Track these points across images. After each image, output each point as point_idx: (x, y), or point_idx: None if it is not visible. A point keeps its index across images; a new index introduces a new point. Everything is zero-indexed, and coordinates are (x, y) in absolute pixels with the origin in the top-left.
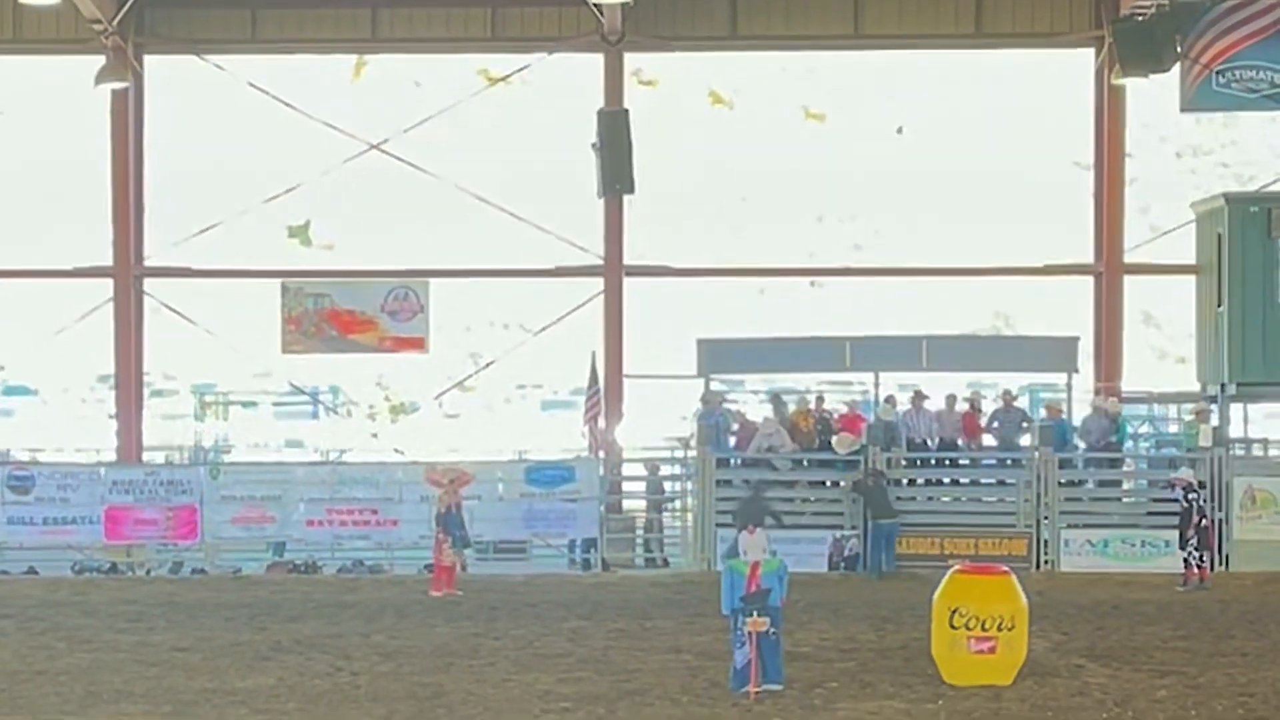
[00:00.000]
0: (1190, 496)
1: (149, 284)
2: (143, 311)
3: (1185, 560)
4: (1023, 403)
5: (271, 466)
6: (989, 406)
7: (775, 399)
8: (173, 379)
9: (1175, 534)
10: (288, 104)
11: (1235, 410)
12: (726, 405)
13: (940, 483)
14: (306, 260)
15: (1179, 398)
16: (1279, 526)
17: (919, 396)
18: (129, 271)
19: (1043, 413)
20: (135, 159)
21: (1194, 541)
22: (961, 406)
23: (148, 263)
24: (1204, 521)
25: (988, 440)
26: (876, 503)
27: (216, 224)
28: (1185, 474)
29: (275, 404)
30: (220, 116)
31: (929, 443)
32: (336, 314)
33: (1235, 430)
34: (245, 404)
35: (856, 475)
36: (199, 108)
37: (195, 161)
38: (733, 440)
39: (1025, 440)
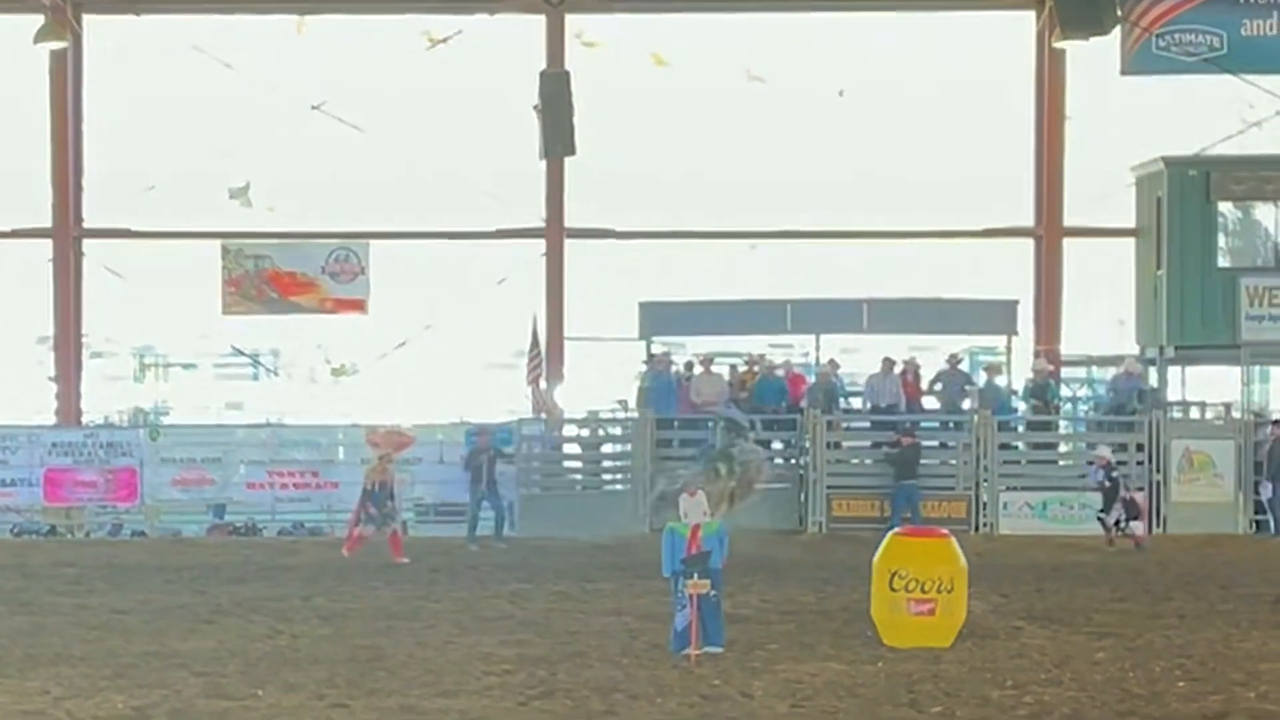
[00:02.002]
0: (1114, 475)
1: (88, 245)
2: (82, 273)
3: (1101, 522)
4: (963, 365)
5: (211, 429)
6: (928, 371)
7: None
8: (112, 341)
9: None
10: (227, 65)
11: (1173, 373)
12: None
13: (879, 445)
14: (246, 222)
15: (1118, 360)
16: (1216, 489)
17: (888, 362)
18: (68, 233)
19: (982, 375)
20: (74, 120)
21: (1121, 514)
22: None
23: (87, 224)
24: (1129, 495)
25: (929, 403)
26: (904, 465)
27: (156, 185)
28: (1104, 452)
29: (215, 366)
30: (159, 77)
31: (896, 407)
32: (277, 276)
33: (1173, 393)
34: (185, 366)
35: (895, 439)
36: (138, 68)
37: (134, 122)
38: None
39: (967, 404)
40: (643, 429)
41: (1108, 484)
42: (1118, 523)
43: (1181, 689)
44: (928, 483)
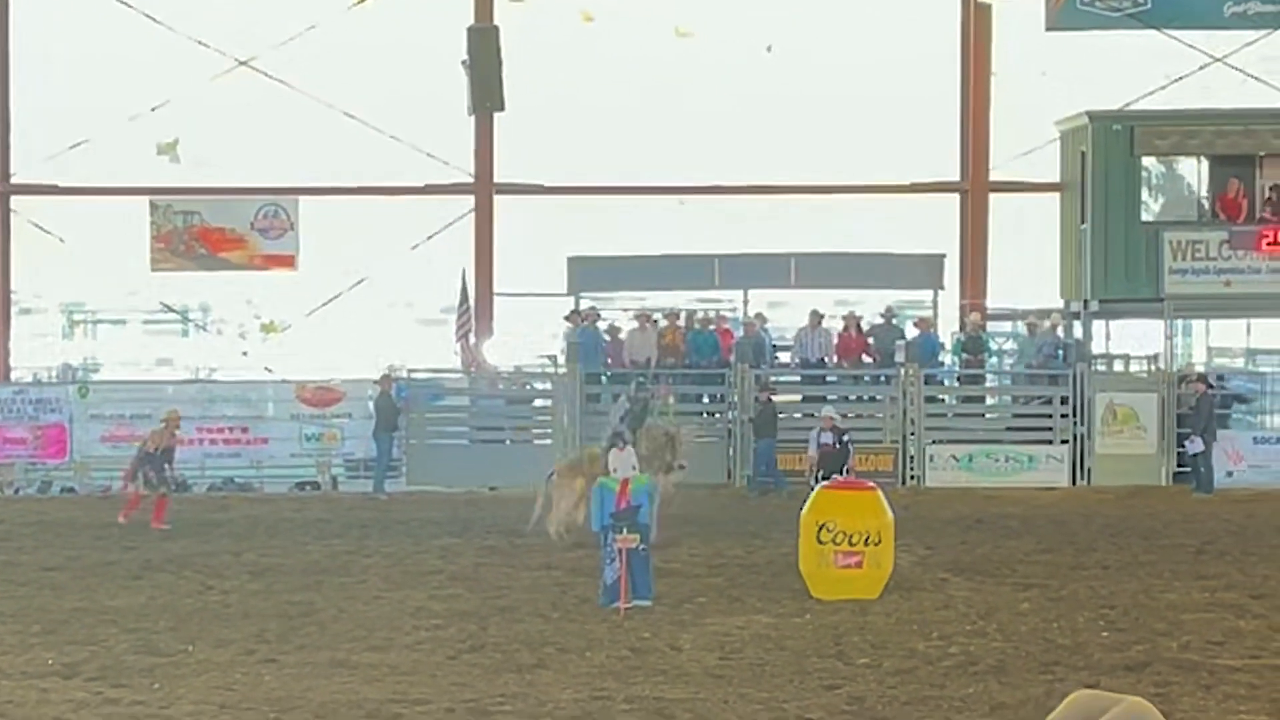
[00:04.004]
0: (845, 439)
1: (15, 201)
2: (9, 229)
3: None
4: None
5: (141, 385)
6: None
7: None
8: (41, 297)
9: (1037, 449)
10: (156, 19)
11: (1097, 326)
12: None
13: (807, 399)
14: (175, 177)
15: (1042, 314)
16: (1139, 441)
17: (816, 316)
18: None
19: (912, 329)
20: (1, 75)
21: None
22: (829, 324)
23: (14, 180)
24: (851, 461)
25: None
26: (762, 423)
27: (84, 141)
28: (830, 413)
29: (145, 322)
30: (88, 32)
31: (826, 361)
32: (206, 232)
33: (1097, 346)
34: (114, 322)
35: (761, 392)
36: (66, 23)
37: (63, 78)
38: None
39: (900, 357)
40: (571, 384)
41: (837, 447)
42: None
43: (1105, 639)
44: (855, 436)
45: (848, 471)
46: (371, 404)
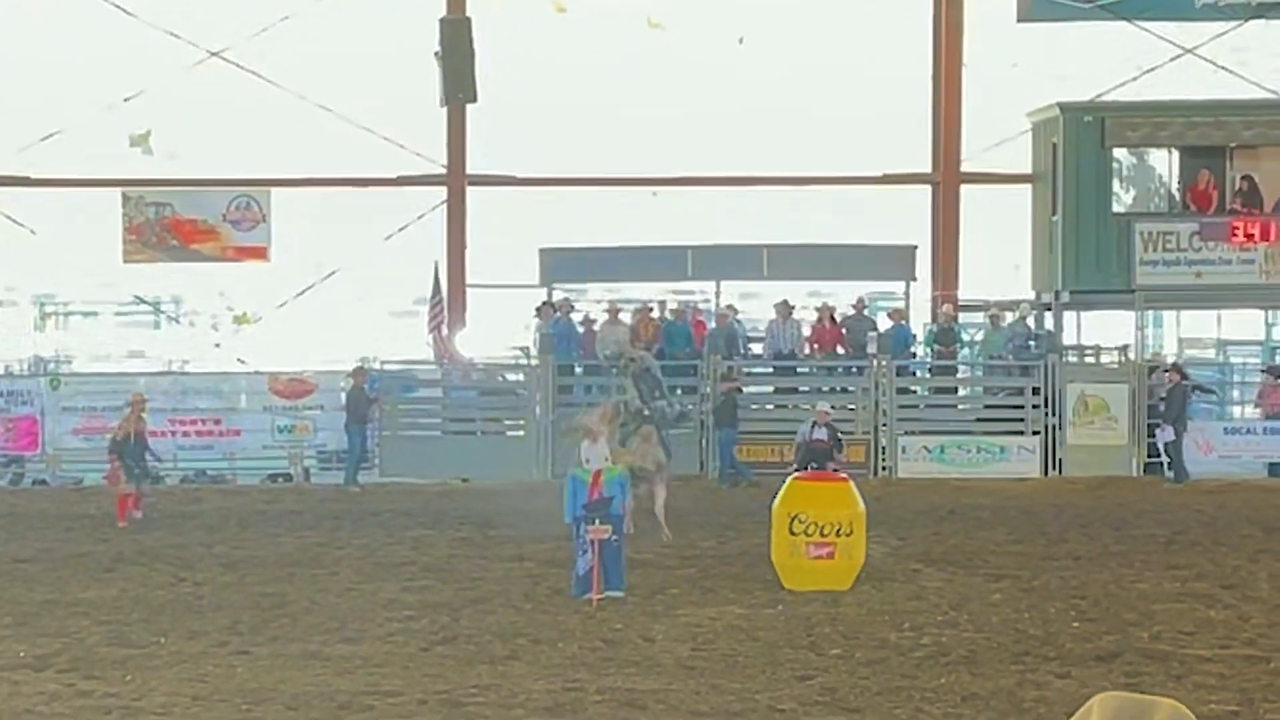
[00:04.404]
0: (840, 436)
1: None
2: None
3: None
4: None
5: (113, 377)
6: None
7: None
8: (12, 289)
9: (1008, 440)
10: (128, 11)
11: (1068, 317)
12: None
13: (778, 390)
14: (148, 169)
15: (1006, 306)
16: (1110, 432)
17: (785, 307)
18: None
19: (886, 320)
20: None
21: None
22: (800, 315)
23: None
24: (841, 456)
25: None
26: (722, 413)
27: (57, 132)
28: (825, 408)
29: (117, 314)
30: (60, 23)
31: (796, 353)
32: (178, 223)
33: (1068, 337)
34: (86, 314)
35: (723, 384)
36: (38, 14)
37: (35, 69)
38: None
39: (872, 348)
40: (544, 376)
41: (830, 441)
42: None
43: (1076, 629)
44: None
45: (835, 466)
46: (344, 395)
